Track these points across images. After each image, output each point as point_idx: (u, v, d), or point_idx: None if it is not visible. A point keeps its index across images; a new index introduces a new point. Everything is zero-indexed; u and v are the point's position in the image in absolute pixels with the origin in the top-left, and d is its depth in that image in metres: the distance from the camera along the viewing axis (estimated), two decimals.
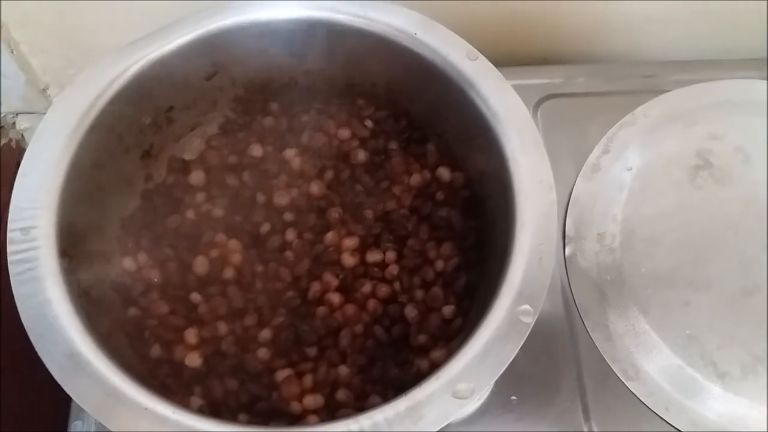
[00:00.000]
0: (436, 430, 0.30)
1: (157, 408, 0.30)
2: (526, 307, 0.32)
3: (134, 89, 0.39)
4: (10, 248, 0.32)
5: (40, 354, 0.30)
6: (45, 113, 0.58)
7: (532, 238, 0.34)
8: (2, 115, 0.58)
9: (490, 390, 0.43)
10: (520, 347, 0.32)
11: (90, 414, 0.29)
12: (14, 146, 0.60)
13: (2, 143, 0.59)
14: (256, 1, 0.41)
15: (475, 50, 0.40)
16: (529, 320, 0.32)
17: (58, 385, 0.40)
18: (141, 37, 0.39)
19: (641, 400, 0.42)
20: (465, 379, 0.31)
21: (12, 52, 0.52)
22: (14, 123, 0.60)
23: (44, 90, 0.57)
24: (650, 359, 0.43)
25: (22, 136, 0.61)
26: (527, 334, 0.32)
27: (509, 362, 0.31)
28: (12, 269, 0.32)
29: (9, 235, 0.33)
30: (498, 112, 0.38)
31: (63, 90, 0.37)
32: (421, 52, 0.40)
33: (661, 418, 0.42)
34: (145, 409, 0.29)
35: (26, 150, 0.35)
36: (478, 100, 0.39)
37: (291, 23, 0.41)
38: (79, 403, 0.29)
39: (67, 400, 0.42)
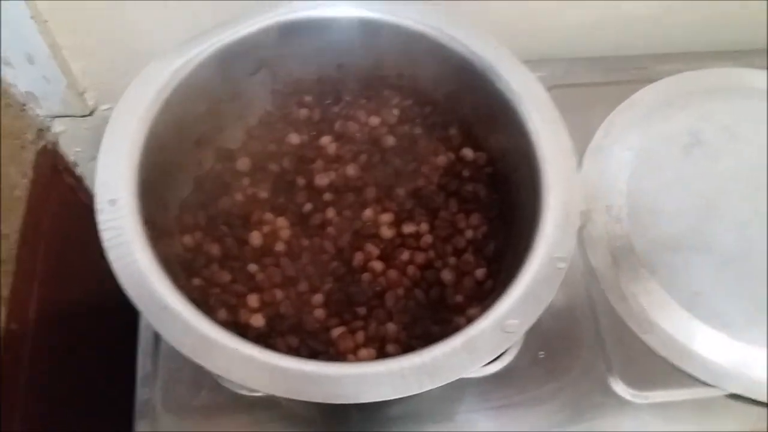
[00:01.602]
0: (489, 360, 0.34)
1: (245, 349, 0.33)
2: (561, 254, 0.37)
3: (193, 81, 0.43)
4: (100, 217, 0.36)
5: (139, 308, 0.34)
6: (81, 116, 0.62)
7: (558, 197, 0.39)
8: (41, 119, 0.62)
9: (519, 347, 0.47)
10: (557, 289, 0.36)
11: (187, 356, 0.33)
12: (50, 148, 0.64)
13: (39, 146, 0.62)
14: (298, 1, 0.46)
15: (494, 40, 0.45)
16: (564, 266, 0.37)
17: (124, 354, 0.44)
18: (199, 33, 0.43)
19: (656, 351, 0.47)
20: (512, 317, 0.35)
21: (56, 56, 0.55)
22: (50, 127, 0.63)
23: (82, 94, 0.60)
24: (662, 314, 0.48)
25: (57, 140, 0.65)
26: (562, 278, 0.36)
27: (549, 302, 0.36)
28: (104, 236, 0.35)
29: (98, 206, 0.36)
30: (519, 93, 0.43)
31: (134, 78, 0.41)
32: (448, 44, 0.45)
33: (675, 365, 0.46)
34: (236, 350, 0.33)
35: (105, 131, 0.39)
36: (500, 84, 0.44)
37: (330, 21, 0.46)
38: (178, 348, 0.33)
39: (132, 370, 0.45)
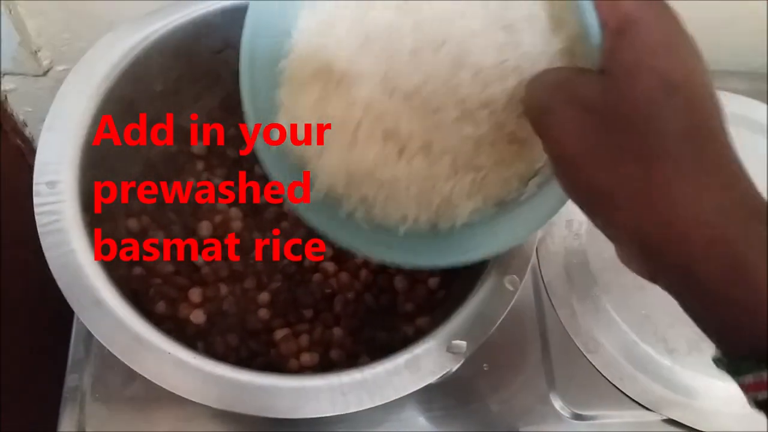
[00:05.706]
0: (433, 380, 0.33)
1: (179, 353, 0.32)
2: (513, 276, 0.36)
3: (150, 58, 0.41)
4: (36, 200, 0.34)
5: (69, 302, 0.32)
6: (34, 75, 0.59)
7: None
8: None
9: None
10: (507, 311, 0.36)
11: (118, 357, 0.31)
12: None
13: None
14: None
15: None
16: (514, 288, 0.36)
17: (57, 337, 0.42)
18: (160, 7, 0.41)
19: (599, 371, 0.47)
20: (459, 336, 0.34)
21: (9, 12, 0.52)
22: None
23: (35, 52, 0.57)
24: (609, 335, 0.48)
25: (6, 97, 0.61)
26: (513, 301, 0.36)
27: (498, 323, 0.35)
28: (39, 220, 0.33)
29: (35, 188, 0.34)
30: None
31: (86, 52, 0.38)
32: None
33: (616, 387, 0.47)
34: (168, 353, 0.32)
35: (51, 107, 0.36)
36: None
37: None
38: (108, 347, 0.31)
39: (65, 353, 0.43)
